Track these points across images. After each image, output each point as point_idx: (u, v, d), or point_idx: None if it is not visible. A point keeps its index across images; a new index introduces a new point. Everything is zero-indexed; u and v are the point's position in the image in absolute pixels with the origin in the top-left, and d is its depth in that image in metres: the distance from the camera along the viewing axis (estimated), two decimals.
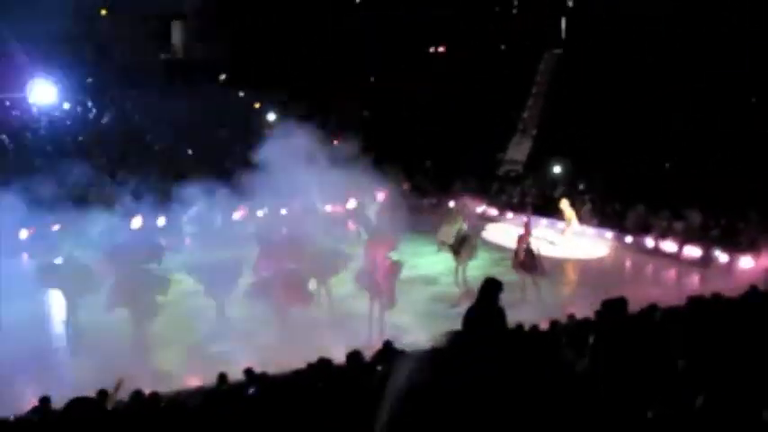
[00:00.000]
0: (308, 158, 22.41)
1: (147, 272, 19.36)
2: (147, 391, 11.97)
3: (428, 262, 24.04)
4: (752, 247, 23.94)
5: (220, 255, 20.75)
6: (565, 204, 28.18)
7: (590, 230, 28.35)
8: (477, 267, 22.62)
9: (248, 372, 12.24)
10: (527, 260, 22.08)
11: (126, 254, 19.79)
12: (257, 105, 41.40)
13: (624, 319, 7.99)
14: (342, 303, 20.53)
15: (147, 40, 41.49)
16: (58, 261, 20.31)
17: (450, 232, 23.39)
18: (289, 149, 22.15)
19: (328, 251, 21.09)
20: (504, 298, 8.43)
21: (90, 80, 41.29)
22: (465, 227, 23.36)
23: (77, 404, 4.77)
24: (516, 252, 22.24)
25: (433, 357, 2.28)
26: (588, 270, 25.64)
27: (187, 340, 18.81)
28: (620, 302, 8.05)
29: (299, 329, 18.36)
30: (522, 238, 22.25)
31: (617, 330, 7.58)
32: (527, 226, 22.85)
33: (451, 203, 30.45)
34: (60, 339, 19.21)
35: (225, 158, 33.97)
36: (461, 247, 23.02)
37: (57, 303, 20.59)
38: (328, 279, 20.72)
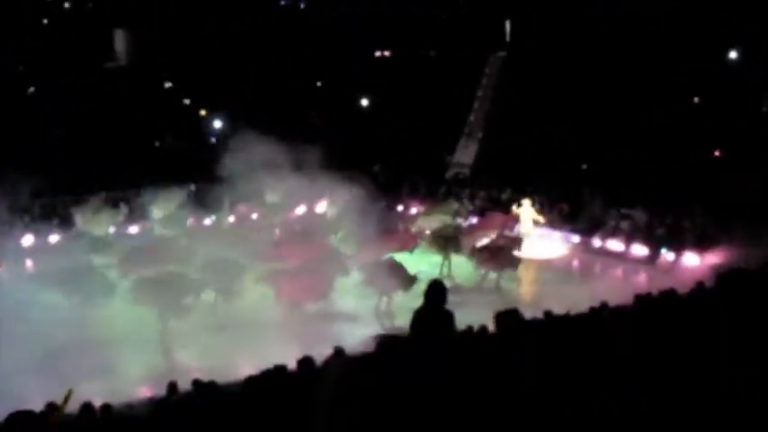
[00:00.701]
0: (261, 165, 22.56)
1: (172, 273, 19.77)
2: (98, 403, 11.77)
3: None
4: (697, 245, 24.25)
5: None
6: (527, 205, 27.75)
7: (538, 231, 28.38)
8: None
9: (196, 382, 12.04)
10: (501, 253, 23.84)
11: (144, 255, 20.10)
12: (203, 113, 41.02)
13: (519, 328, 8.33)
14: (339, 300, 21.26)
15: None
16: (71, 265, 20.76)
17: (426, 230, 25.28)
18: (242, 157, 22.27)
19: (332, 252, 22.15)
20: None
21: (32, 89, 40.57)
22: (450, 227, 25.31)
23: (18, 418, 4.63)
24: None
25: (376, 357, 2.25)
26: (539, 271, 25.79)
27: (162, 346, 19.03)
28: (513, 313, 8.43)
29: (291, 327, 19.07)
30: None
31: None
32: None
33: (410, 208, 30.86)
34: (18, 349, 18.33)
35: (173, 166, 33.58)
36: (447, 243, 24.33)
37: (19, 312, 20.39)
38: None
